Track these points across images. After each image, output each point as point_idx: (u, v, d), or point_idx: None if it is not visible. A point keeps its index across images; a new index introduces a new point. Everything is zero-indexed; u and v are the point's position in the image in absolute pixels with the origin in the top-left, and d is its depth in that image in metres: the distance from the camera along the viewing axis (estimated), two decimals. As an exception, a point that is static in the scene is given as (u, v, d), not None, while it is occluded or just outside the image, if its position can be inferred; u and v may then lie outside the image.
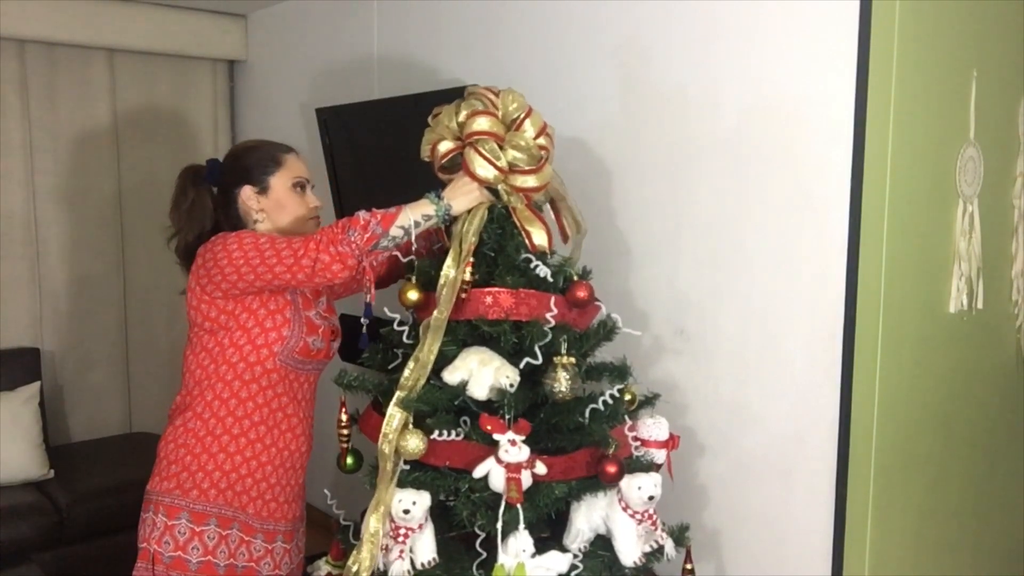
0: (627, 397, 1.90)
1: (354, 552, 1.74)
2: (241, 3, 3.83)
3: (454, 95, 1.93)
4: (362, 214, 1.75)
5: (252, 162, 1.93)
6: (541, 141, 1.84)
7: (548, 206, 2.02)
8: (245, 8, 3.92)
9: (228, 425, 1.85)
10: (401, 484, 1.74)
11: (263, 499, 1.90)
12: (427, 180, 1.95)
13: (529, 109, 1.86)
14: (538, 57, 2.57)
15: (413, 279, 1.82)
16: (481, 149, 1.80)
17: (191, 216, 1.93)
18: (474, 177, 1.81)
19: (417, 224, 1.77)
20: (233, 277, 1.77)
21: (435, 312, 1.75)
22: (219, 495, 1.84)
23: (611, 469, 1.73)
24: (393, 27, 3.14)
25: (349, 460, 1.95)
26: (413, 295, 1.80)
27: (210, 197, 1.96)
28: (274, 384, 1.87)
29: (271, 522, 1.92)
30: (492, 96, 1.86)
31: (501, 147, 1.81)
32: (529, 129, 1.84)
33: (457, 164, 1.86)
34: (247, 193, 1.91)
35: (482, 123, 1.81)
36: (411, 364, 1.75)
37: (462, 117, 1.84)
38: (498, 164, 1.80)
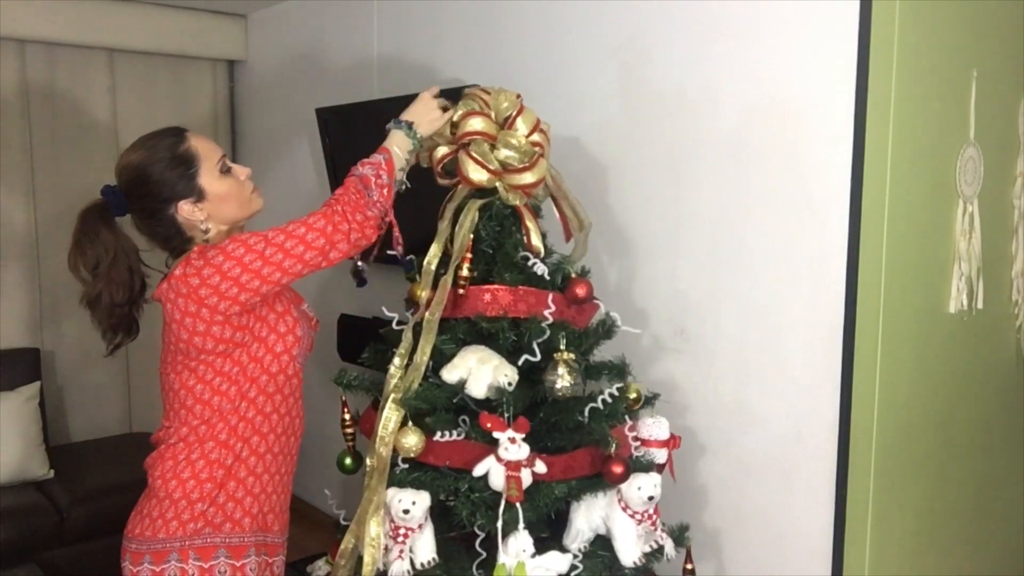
0: (631, 396, 1.90)
1: (342, 544, 1.75)
2: (241, 3, 3.83)
3: (454, 95, 1.93)
4: (366, 171, 1.70)
5: (169, 174, 1.63)
6: (535, 138, 1.86)
7: (551, 202, 2.03)
8: (245, 8, 3.92)
9: (255, 445, 1.69)
10: (400, 484, 1.74)
11: (283, 510, 1.80)
12: (427, 182, 1.96)
13: (521, 107, 1.87)
14: (538, 57, 2.56)
15: (419, 278, 1.83)
16: (472, 152, 1.82)
17: (111, 275, 1.66)
18: (468, 181, 1.83)
19: (407, 160, 1.79)
20: (255, 284, 1.58)
21: (426, 313, 1.76)
22: (252, 521, 1.70)
23: (617, 469, 1.73)
24: (393, 27, 3.14)
25: (348, 461, 1.94)
26: (425, 294, 1.81)
27: (118, 237, 1.66)
28: (294, 390, 1.75)
29: (281, 535, 1.82)
30: (485, 96, 1.88)
31: (493, 147, 1.84)
32: (521, 127, 1.86)
33: (454, 169, 1.88)
34: (186, 209, 1.65)
35: (474, 124, 1.84)
36: (401, 364, 1.76)
37: (456, 117, 1.86)
38: (489, 167, 1.82)
